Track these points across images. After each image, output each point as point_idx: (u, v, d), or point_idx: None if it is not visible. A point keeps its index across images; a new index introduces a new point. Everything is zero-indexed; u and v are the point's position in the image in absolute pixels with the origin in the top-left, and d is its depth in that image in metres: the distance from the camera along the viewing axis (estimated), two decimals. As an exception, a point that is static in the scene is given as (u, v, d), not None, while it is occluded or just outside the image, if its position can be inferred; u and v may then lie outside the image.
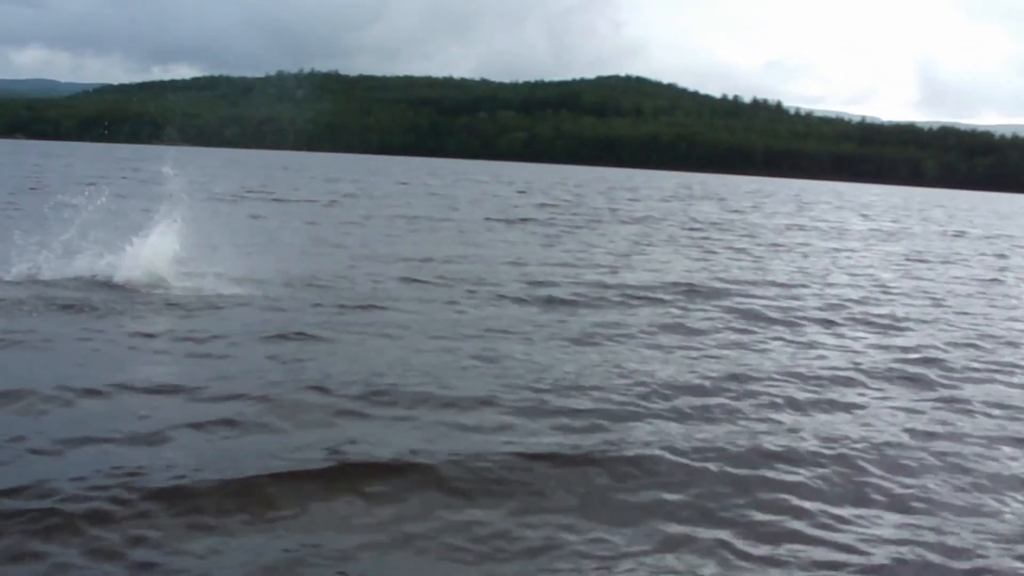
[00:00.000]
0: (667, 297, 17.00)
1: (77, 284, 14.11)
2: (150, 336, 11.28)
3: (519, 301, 15.56)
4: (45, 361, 9.87)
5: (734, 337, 13.68)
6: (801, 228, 42.01)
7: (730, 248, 28.97)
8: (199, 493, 6.47)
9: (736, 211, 53.22)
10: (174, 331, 11.66)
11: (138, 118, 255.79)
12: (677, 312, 15.52)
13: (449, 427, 8.36)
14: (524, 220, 35.55)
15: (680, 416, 9.20)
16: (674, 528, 6.58)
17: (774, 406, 9.87)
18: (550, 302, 15.67)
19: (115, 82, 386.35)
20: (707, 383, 10.56)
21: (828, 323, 15.45)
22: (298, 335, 11.63)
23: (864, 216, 57.42)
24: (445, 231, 29.01)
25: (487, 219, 34.99)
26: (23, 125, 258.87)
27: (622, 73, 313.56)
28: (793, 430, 9.00)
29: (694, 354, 12.26)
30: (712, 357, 12.15)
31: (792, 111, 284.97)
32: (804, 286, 20.09)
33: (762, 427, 9.04)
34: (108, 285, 14.21)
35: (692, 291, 17.92)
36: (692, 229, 36.66)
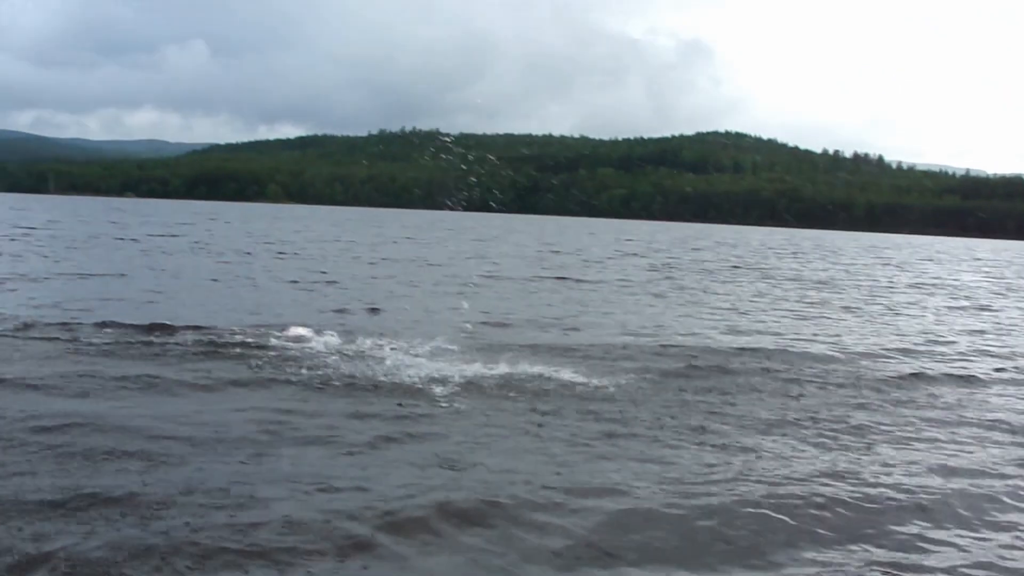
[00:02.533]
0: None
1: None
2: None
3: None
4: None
5: None
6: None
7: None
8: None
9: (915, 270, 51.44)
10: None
11: (244, 176, 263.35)
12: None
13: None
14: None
15: None
16: None
17: None
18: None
19: (222, 141, 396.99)
20: None
21: None
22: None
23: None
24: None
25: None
26: (134, 184, 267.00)
27: (721, 129, 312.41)
28: None
29: None
30: None
31: (894, 165, 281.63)
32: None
33: None
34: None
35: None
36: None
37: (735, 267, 46.58)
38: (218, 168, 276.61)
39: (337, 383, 11.81)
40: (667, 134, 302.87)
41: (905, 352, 17.49)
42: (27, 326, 14.98)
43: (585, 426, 10.22)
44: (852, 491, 8.22)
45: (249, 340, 14.40)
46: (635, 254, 54.70)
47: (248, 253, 39.79)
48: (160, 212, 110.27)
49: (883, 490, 8.32)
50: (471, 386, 11.94)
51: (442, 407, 10.77)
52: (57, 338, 14.04)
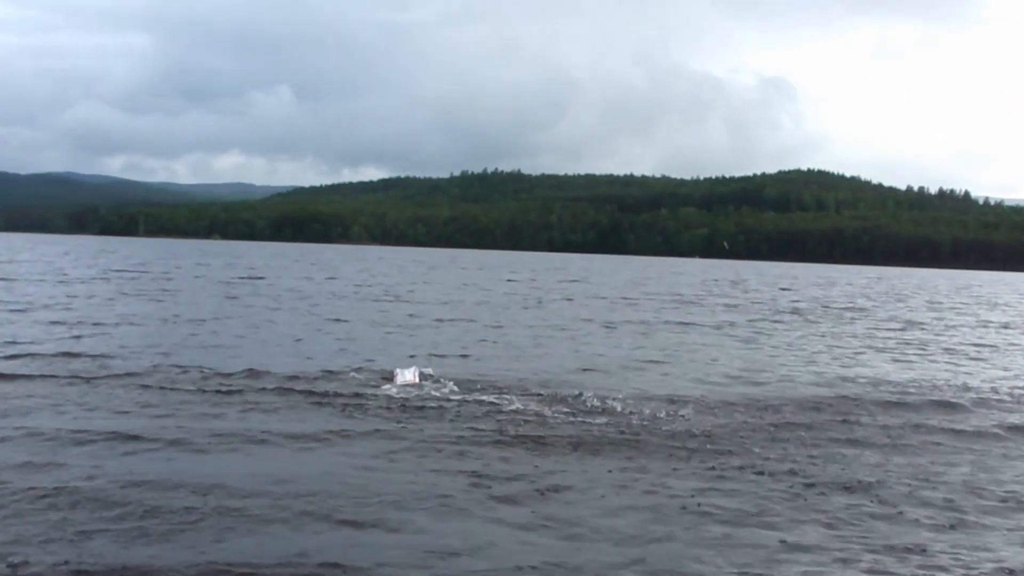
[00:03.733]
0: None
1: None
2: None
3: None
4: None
5: None
6: None
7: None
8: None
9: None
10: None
11: (328, 218, 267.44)
12: None
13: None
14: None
15: None
16: None
17: None
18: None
19: (306, 184, 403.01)
20: None
21: None
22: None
23: None
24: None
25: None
26: (220, 226, 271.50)
27: (803, 167, 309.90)
28: None
29: None
30: None
31: (981, 201, 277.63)
32: None
33: None
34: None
35: None
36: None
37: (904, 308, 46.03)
38: (303, 210, 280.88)
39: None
40: (749, 172, 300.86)
41: None
42: (130, 374, 15.25)
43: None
44: None
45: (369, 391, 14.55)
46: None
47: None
48: (250, 254, 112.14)
49: None
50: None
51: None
52: (161, 387, 14.34)
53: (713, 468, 10.59)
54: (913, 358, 23.67)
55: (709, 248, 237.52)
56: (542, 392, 15.02)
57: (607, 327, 29.38)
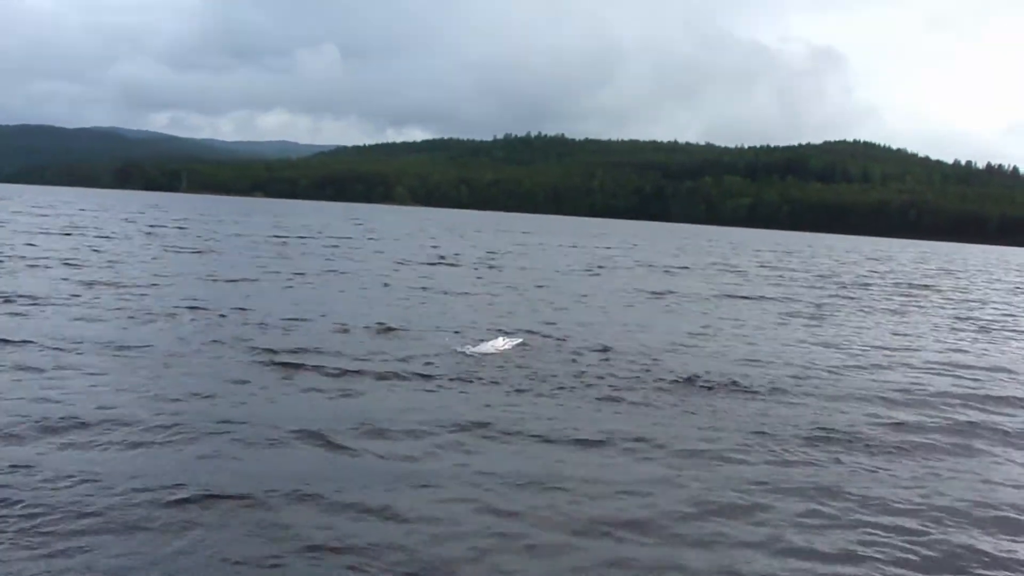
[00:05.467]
0: None
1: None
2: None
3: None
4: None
5: None
6: None
7: None
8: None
9: None
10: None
11: (371, 178, 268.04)
12: None
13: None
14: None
15: None
16: None
17: None
18: None
19: (350, 144, 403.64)
20: None
21: None
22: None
23: None
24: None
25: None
26: (263, 184, 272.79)
27: (850, 138, 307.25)
28: None
29: None
30: None
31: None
32: None
33: None
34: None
35: None
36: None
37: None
38: (346, 170, 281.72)
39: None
40: (795, 143, 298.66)
41: None
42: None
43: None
44: None
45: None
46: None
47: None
48: (302, 212, 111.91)
49: None
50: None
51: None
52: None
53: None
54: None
55: (751, 218, 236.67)
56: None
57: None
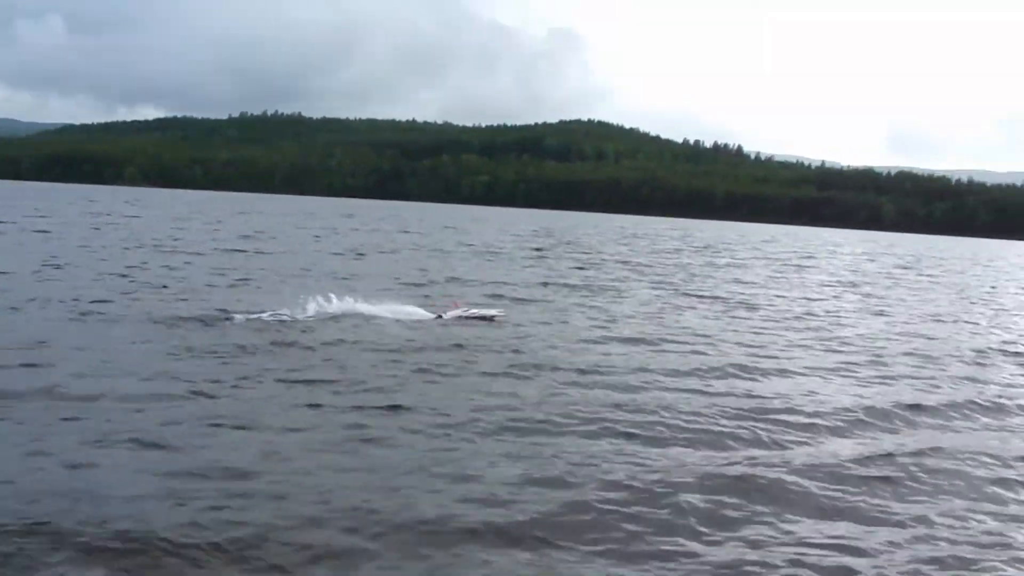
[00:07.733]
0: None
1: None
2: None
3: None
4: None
5: None
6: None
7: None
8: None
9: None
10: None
11: (101, 158, 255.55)
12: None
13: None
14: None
15: None
16: None
17: None
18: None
19: (78, 122, 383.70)
20: None
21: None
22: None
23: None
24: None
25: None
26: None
27: (585, 118, 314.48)
28: None
29: None
30: None
31: (752, 156, 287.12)
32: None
33: None
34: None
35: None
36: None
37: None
38: (74, 149, 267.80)
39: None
40: (532, 122, 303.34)
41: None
42: None
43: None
44: None
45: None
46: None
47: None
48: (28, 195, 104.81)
49: None
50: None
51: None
52: None
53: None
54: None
55: (489, 196, 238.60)
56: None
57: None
